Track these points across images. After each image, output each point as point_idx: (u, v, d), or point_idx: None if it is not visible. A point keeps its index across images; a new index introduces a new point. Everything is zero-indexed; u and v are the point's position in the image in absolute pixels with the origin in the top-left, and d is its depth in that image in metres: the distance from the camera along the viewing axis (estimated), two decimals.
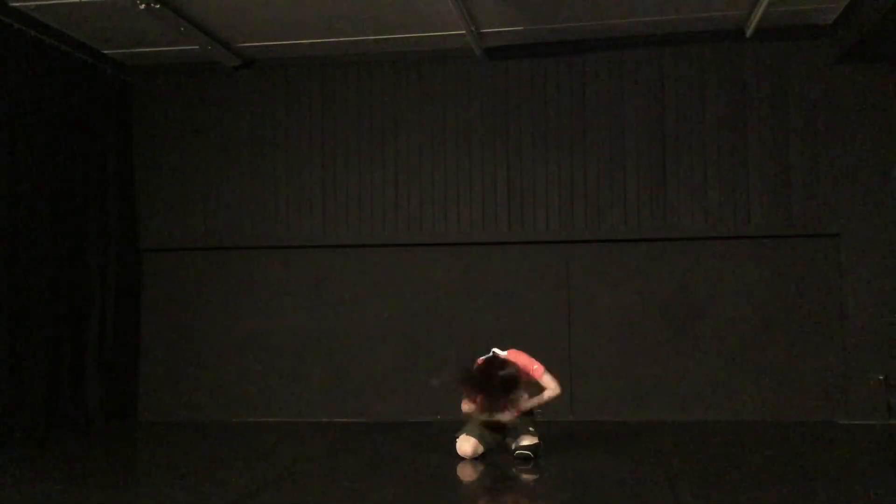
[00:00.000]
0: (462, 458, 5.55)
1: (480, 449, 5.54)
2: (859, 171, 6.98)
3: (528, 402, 5.45)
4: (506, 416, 5.37)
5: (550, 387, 5.52)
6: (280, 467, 5.56)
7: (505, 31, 7.01)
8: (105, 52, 7.47)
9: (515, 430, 5.54)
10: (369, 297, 7.57)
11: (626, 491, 4.82)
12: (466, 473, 5.37)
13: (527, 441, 5.46)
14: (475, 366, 5.37)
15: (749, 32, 6.96)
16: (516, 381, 5.19)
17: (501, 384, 5.16)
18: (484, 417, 5.40)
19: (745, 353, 7.10)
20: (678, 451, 5.93)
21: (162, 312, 7.80)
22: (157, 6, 6.20)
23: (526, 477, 5.31)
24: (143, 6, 6.15)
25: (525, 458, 5.44)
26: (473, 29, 6.86)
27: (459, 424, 5.67)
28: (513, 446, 5.51)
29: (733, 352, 7.11)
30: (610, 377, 7.24)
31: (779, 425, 6.78)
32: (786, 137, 7.11)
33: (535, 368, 5.44)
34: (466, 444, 5.52)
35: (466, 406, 5.51)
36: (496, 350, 5.48)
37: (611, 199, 7.30)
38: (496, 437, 5.59)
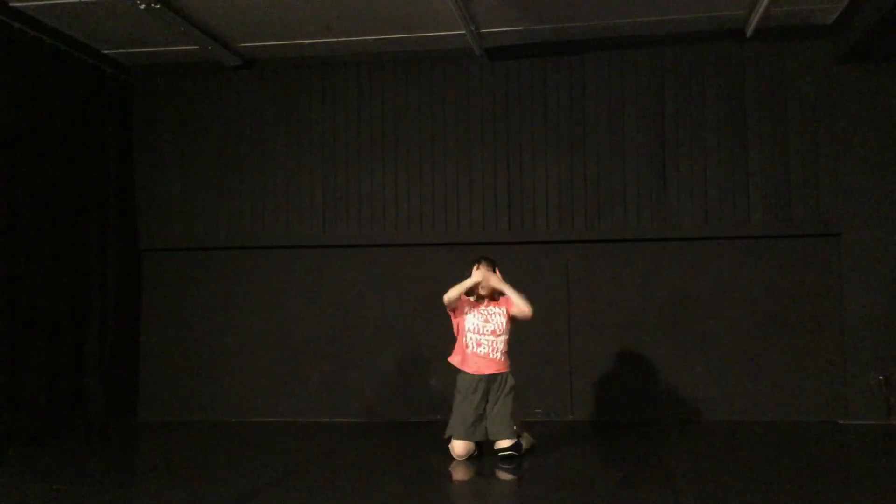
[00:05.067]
0: (459, 459, 5.60)
1: (473, 448, 5.65)
2: (859, 171, 6.98)
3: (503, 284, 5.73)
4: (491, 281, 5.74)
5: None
6: (280, 467, 5.56)
7: (505, 31, 7.01)
8: (105, 52, 7.47)
9: (495, 429, 5.60)
10: (369, 297, 7.57)
11: (626, 491, 4.82)
12: (464, 473, 5.38)
13: (506, 443, 5.56)
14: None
15: (749, 32, 6.96)
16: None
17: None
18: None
19: (745, 354, 7.10)
20: (678, 451, 5.93)
21: (162, 312, 7.80)
22: (157, 6, 6.21)
23: (525, 477, 5.31)
24: (143, 6, 6.15)
25: (509, 458, 5.51)
26: (473, 29, 6.86)
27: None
28: (494, 447, 5.60)
29: (733, 352, 7.12)
30: (610, 377, 7.24)
31: (779, 425, 6.79)
32: (786, 137, 7.11)
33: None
34: (459, 447, 5.62)
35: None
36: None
37: (611, 199, 7.30)
38: (481, 428, 5.64)
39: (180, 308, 7.77)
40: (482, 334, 5.66)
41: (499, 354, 5.65)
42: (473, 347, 5.67)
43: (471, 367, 5.66)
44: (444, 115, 7.54)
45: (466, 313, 5.74)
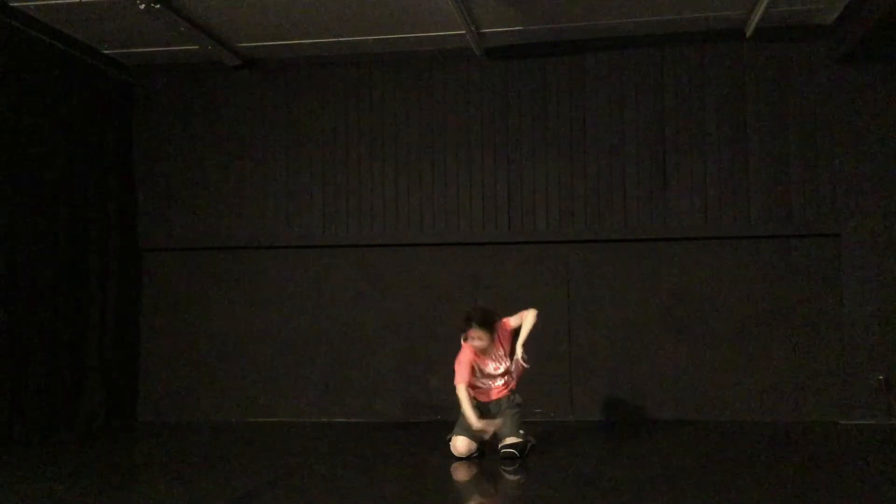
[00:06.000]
0: (458, 458, 5.60)
1: (475, 448, 5.63)
2: (859, 171, 6.98)
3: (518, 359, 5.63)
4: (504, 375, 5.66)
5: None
6: (280, 467, 5.56)
7: (505, 31, 7.01)
8: (105, 52, 7.47)
9: (503, 430, 5.59)
10: (369, 297, 7.57)
11: (626, 491, 4.82)
12: (465, 473, 5.38)
13: (512, 440, 5.55)
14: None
15: (749, 32, 6.96)
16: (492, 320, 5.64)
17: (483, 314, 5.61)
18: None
19: (745, 354, 7.10)
20: (678, 451, 5.93)
21: (162, 312, 7.80)
22: (157, 6, 6.21)
23: (525, 477, 5.31)
24: (143, 6, 6.15)
25: (510, 458, 5.50)
26: (473, 29, 6.86)
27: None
28: (499, 446, 5.59)
29: (733, 352, 7.12)
30: (610, 377, 7.24)
31: (779, 425, 6.79)
32: (786, 137, 7.11)
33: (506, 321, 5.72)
34: (461, 444, 5.61)
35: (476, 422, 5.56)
36: None
37: (611, 199, 7.30)
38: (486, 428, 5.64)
39: (180, 308, 7.77)
40: (492, 377, 5.71)
41: (508, 375, 5.71)
42: (490, 387, 5.73)
43: (493, 398, 5.74)
44: (444, 115, 7.54)
45: (476, 376, 5.70)
